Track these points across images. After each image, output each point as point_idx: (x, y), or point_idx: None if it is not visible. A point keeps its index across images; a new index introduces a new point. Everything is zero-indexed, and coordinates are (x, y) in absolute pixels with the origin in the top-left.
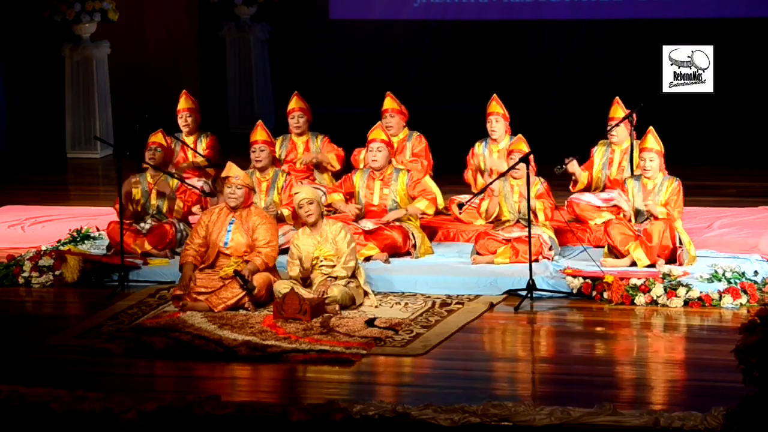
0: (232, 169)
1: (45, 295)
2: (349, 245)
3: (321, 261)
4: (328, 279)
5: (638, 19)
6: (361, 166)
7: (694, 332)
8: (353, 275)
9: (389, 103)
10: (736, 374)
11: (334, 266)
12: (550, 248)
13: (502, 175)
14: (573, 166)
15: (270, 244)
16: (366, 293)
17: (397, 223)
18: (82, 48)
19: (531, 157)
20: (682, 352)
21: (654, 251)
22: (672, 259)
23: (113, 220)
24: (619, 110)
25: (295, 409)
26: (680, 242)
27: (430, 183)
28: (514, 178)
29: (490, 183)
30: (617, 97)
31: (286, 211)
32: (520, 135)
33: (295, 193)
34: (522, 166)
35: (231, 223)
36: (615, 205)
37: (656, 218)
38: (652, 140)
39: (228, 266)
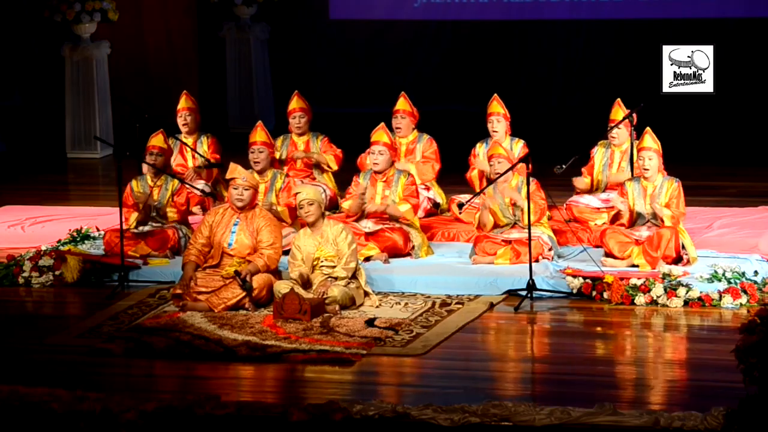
0: (237, 171)
1: (45, 295)
2: (350, 246)
3: (322, 262)
4: (329, 279)
5: (638, 19)
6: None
7: (694, 332)
8: (354, 276)
9: (402, 104)
10: (736, 374)
11: (334, 267)
12: (550, 248)
13: (503, 174)
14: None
15: (273, 246)
16: (367, 294)
17: (397, 225)
18: (82, 48)
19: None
20: (682, 352)
21: (657, 260)
22: (674, 263)
23: (111, 228)
24: (619, 112)
25: (295, 409)
26: (683, 247)
27: (417, 191)
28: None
29: (489, 184)
30: (618, 99)
31: (280, 207)
32: (496, 140)
33: (297, 193)
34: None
35: (235, 224)
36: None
37: (662, 222)
38: (650, 140)
39: (230, 266)
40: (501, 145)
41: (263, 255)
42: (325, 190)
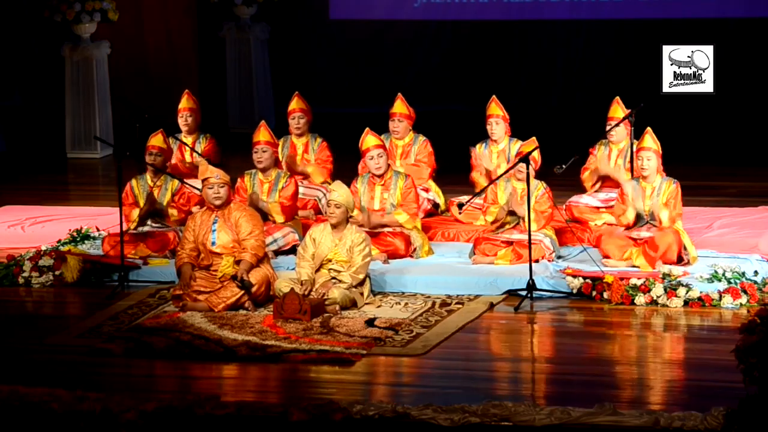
0: (209, 170)
1: (45, 295)
2: (364, 259)
3: (332, 264)
4: (331, 281)
5: (638, 19)
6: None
7: (694, 332)
8: (360, 283)
9: (399, 106)
10: (736, 374)
11: (341, 271)
12: (552, 253)
13: (504, 174)
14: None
15: (253, 234)
16: (369, 304)
17: (398, 229)
18: (82, 48)
19: (534, 155)
20: (682, 352)
21: (656, 260)
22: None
23: (111, 234)
24: (618, 110)
25: (295, 409)
26: (685, 249)
27: (416, 194)
28: (518, 180)
29: (490, 184)
30: (617, 97)
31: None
32: (533, 138)
33: (332, 190)
34: (524, 167)
35: (215, 223)
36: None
37: (660, 223)
38: (650, 140)
39: (222, 266)
40: (536, 143)
41: (247, 248)
42: (326, 195)
